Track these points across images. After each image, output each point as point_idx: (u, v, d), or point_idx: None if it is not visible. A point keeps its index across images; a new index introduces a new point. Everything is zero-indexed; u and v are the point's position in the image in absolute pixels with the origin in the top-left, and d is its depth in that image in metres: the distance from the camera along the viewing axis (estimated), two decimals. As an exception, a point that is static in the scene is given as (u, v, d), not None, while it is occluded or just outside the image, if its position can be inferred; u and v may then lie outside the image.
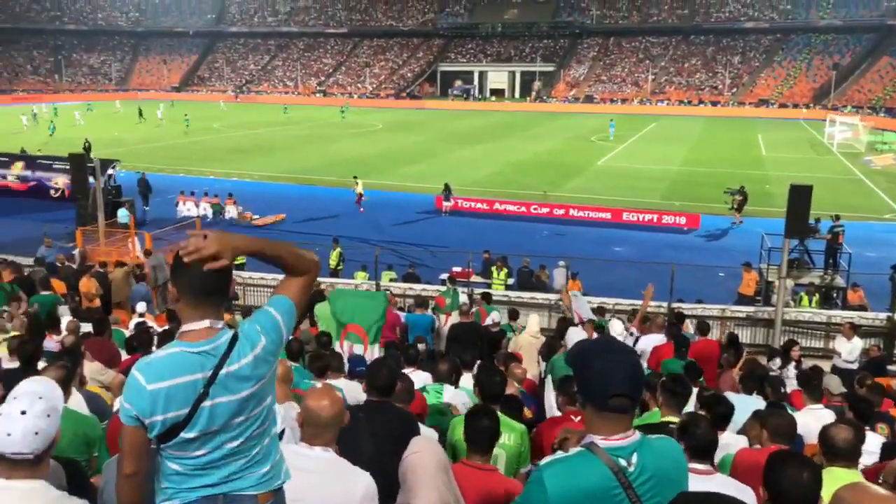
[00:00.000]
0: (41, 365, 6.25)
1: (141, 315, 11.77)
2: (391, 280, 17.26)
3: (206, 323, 2.48)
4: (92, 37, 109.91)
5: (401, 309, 12.75)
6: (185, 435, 2.41)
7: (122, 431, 2.45)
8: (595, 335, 9.19)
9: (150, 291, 14.18)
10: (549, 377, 6.78)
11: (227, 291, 2.57)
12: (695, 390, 6.16)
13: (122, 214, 23.00)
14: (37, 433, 2.61)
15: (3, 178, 30.89)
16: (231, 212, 27.55)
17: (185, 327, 2.50)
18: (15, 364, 6.28)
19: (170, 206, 28.37)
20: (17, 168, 30.94)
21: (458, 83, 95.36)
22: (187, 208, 27.74)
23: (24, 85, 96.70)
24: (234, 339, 2.49)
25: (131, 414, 2.41)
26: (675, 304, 15.04)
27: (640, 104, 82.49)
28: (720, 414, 5.18)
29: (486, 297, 13.05)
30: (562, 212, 28.32)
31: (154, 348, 8.15)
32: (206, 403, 2.41)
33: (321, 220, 26.64)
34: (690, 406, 5.44)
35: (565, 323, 10.81)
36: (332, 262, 18.57)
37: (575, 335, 8.59)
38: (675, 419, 4.88)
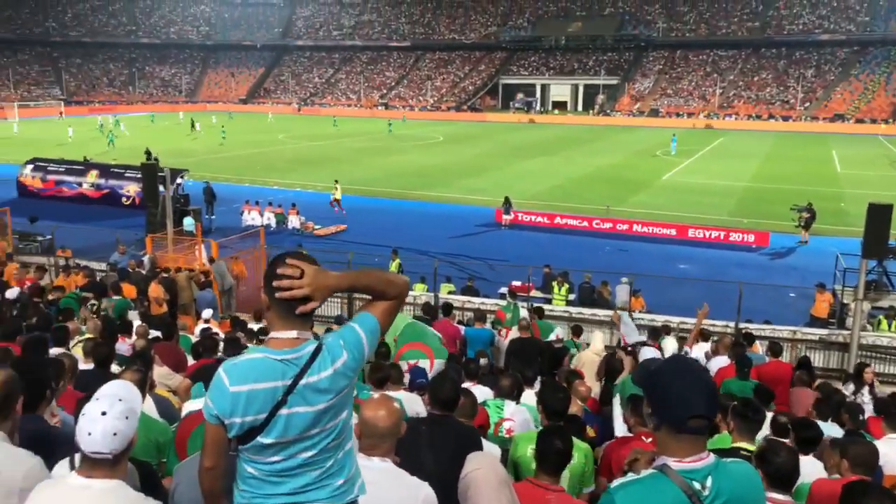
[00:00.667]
0: (114, 368, 6.48)
1: (206, 321, 12.08)
2: (450, 293, 17.29)
3: (292, 333, 2.53)
4: (164, 50, 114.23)
5: (460, 322, 12.74)
6: (261, 440, 2.46)
7: (205, 427, 2.54)
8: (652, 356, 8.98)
9: (216, 298, 14.56)
10: (618, 396, 6.66)
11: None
12: (769, 415, 5.96)
13: (188, 223, 23.74)
14: (115, 434, 2.70)
15: (79, 185, 32.41)
16: (294, 221, 28.11)
17: (272, 334, 2.56)
18: (90, 366, 6.53)
19: (235, 215, 29.13)
20: (92, 176, 32.42)
21: (520, 96, 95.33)
22: (252, 217, 28.42)
23: (100, 96, 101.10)
24: (318, 351, 2.53)
25: (213, 412, 2.49)
26: (742, 325, 14.61)
27: (708, 118, 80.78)
28: (806, 438, 4.98)
29: (538, 312, 12.93)
30: (625, 227, 27.91)
31: (220, 353, 8.35)
32: (284, 411, 2.45)
33: (381, 231, 26.90)
34: (764, 432, 5.25)
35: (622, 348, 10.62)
36: (394, 271, 18.76)
37: (648, 353, 8.43)
38: (749, 446, 4.72)
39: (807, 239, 26.29)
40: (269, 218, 28.40)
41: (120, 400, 2.77)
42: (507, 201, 28.89)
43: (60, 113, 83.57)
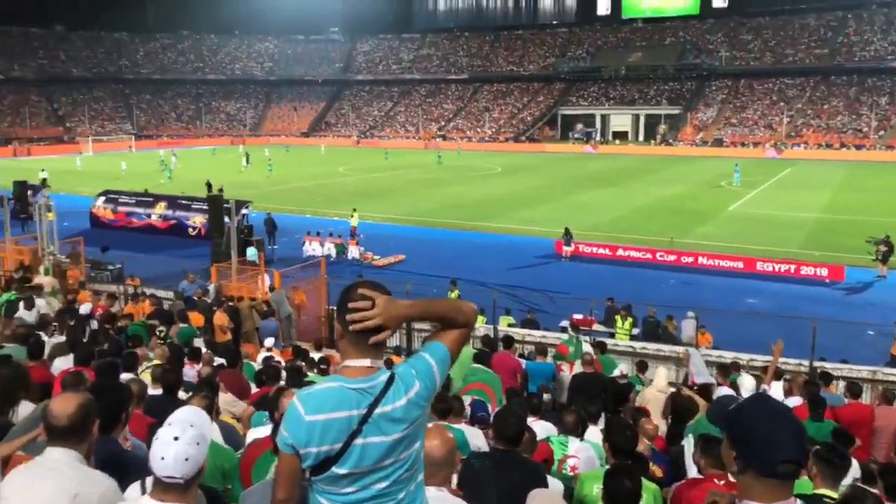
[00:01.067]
0: (181, 394, 6.63)
1: (269, 349, 12.27)
2: (509, 325, 17.18)
3: (366, 362, 2.56)
4: (229, 86, 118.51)
5: (521, 356, 12.62)
6: (336, 470, 2.46)
7: (279, 458, 2.55)
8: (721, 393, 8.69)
9: (279, 327, 14.80)
10: (690, 436, 6.45)
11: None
12: (855, 462, 5.67)
13: (252, 253, 24.28)
14: (187, 459, 2.75)
15: (148, 216, 33.66)
16: (353, 252, 28.50)
17: (345, 363, 2.59)
18: (158, 391, 6.69)
19: (296, 246, 29.71)
20: (160, 208, 33.64)
21: (580, 126, 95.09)
22: (313, 248, 28.95)
23: (168, 130, 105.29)
24: (391, 380, 2.54)
25: (288, 442, 2.48)
26: (817, 363, 14.03)
27: (775, 147, 78.90)
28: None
29: (601, 347, 12.70)
30: (689, 259, 27.32)
31: (282, 382, 8.47)
32: (359, 441, 2.45)
33: (440, 262, 27.04)
34: (849, 478, 4.99)
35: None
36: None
37: (748, 382, 8.17)
38: (832, 493, 4.50)
39: (885, 273, 25.22)
40: (330, 248, 28.87)
41: (191, 426, 2.83)
42: (567, 232, 28.69)
43: (130, 147, 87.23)
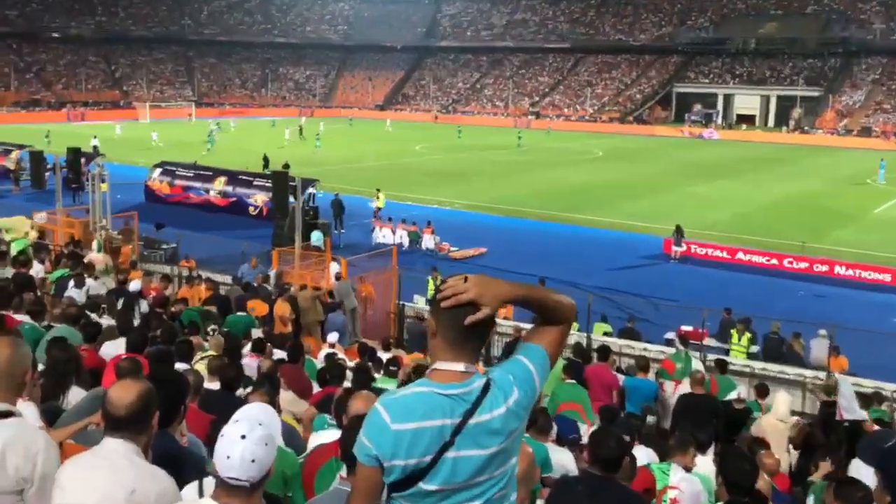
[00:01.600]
0: (240, 391, 6.85)
1: (332, 346, 12.53)
2: (605, 334, 16.99)
3: (460, 366, 2.54)
4: (300, 50, 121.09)
5: (619, 370, 12.47)
6: (423, 486, 2.45)
7: (357, 470, 2.55)
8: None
9: (346, 321, 15.08)
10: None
11: (489, 335, 2.65)
12: None
13: (316, 237, 24.81)
14: (253, 461, 2.83)
15: (207, 192, 34.84)
16: (428, 241, 28.73)
17: (437, 365, 2.57)
18: (214, 385, 6.93)
19: (365, 232, 30.20)
20: (220, 183, 34.76)
21: (698, 107, 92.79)
22: (383, 235, 29.33)
23: (232, 98, 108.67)
24: (487, 386, 2.53)
25: (371, 453, 2.46)
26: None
27: (936, 140, 74.95)
28: None
29: (721, 366, 12.38)
30: (824, 268, 26.35)
31: (347, 384, 8.63)
32: (451, 454, 2.44)
33: (526, 257, 26.98)
34: None
35: (829, 409, 9.94)
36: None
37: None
38: None
39: None
40: (402, 236, 29.19)
41: (260, 424, 2.91)
42: (678, 230, 28.10)
43: (190, 115, 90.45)
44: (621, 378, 11.26)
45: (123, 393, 3.21)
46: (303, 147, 60.63)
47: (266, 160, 44.79)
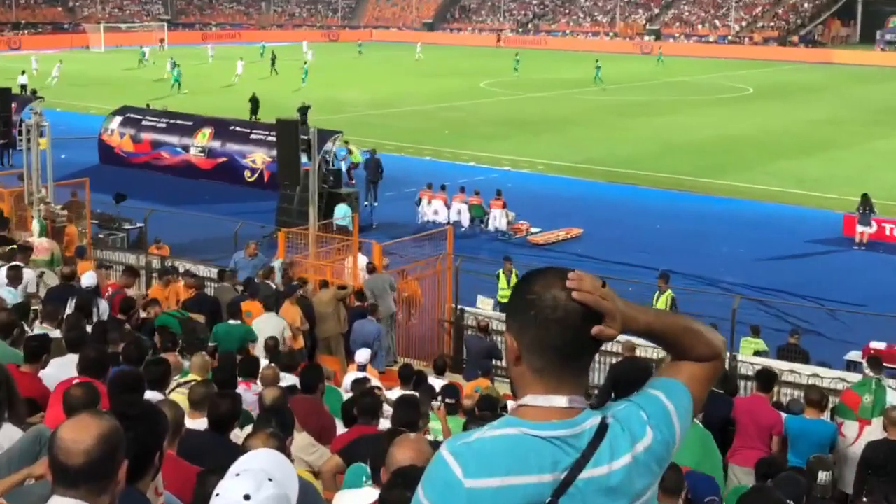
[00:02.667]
0: (236, 432, 6.91)
1: (362, 368, 12.59)
2: (757, 353, 16.77)
3: (562, 400, 2.53)
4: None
5: (778, 406, 12.30)
6: None
7: None
8: None
9: (382, 333, 15.15)
10: None
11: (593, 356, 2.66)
12: None
13: (342, 213, 24.86)
14: (262, 533, 2.86)
15: (185, 149, 35.29)
16: (498, 219, 28.63)
17: (525, 400, 2.55)
18: (199, 422, 7.01)
19: (407, 205, 30.25)
20: (204, 137, 35.16)
21: (894, 23, 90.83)
22: (433, 210, 29.26)
23: (220, 17, 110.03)
24: (604, 428, 2.52)
25: None
26: None
27: None
28: None
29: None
30: None
31: (384, 422, 8.66)
32: None
33: (637, 241, 26.79)
34: None
35: None
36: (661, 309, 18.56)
37: None
38: None
39: None
40: (461, 212, 29.13)
41: (270, 480, 2.93)
42: (865, 203, 27.52)
43: (161, 40, 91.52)
44: (783, 416, 11.10)
45: (79, 434, 3.23)
46: (274, 84, 60.57)
47: (255, 103, 45.17)
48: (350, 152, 33.38)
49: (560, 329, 2.50)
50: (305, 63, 65.07)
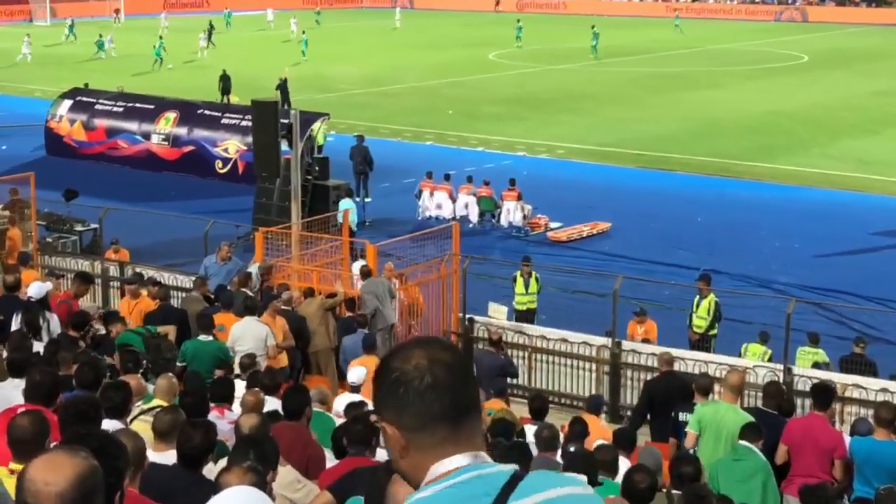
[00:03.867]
0: (209, 466, 6.89)
1: (355, 388, 12.56)
2: (815, 364, 16.68)
3: (465, 458, 2.71)
4: None
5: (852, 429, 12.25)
6: None
7: None
8: None
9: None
10: None
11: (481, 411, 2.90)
12: None
13: (347, 207, 24.75)
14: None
15: (146, 136, 35.25)
16: (512, 213, 28.56)
17: (430, 473, 2.70)
18: (165, 456, 7.01)
19: (404, 199, 30.25)
20: (168, 122, 35.09)
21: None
22: (436, 203, 29.23)
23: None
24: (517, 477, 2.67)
25: None
26: None
27: None
28: None
29: None
30: None
31: (381, 451, 8.64)
32: None
33: (675, 235, 26.87)
34: None
35: None
36: (700, 322, 18.50)
37: None
38: None
39: None
40: (468, 205, 29.09)
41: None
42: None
43: (117, 11, 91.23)
44: (847, 438, 11.07)
45: (52, 474, 3.23)
46: (251, 59, 60.55)
47: (226, 81, 45.14)
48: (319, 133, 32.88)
49: (436, 395, 2.67)
50: (303, 33, 64.63)
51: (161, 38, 60.28)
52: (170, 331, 14.04)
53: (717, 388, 12.94)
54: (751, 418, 10.97)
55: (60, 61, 60.87)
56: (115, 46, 64.07)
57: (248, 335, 13.78)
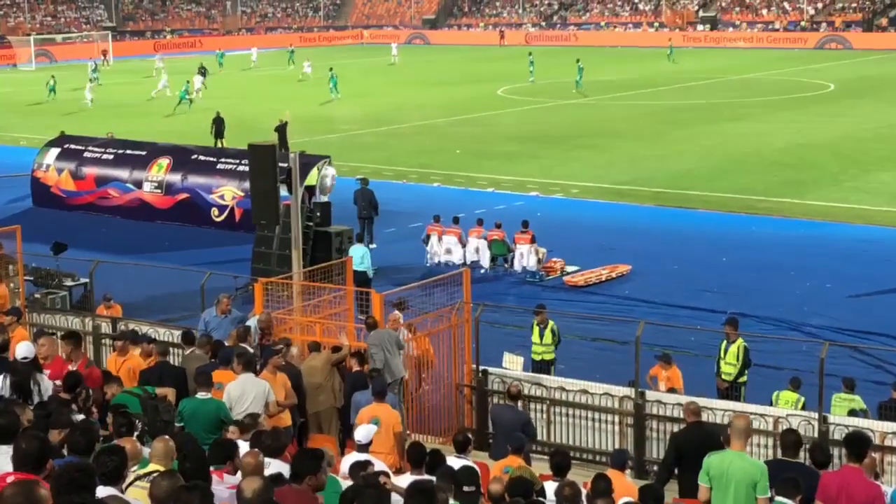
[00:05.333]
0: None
1: (363, 448, 12.50)
2: (853, 412, 16.55)
3: None
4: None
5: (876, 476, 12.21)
6: None
7: None
8: None
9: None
10: None
11: None
12: None
13: (360, 255, 24.74)
14: None
15: (138, 185, 35.38)
16: (526, 257, 28.58)
17: None
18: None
19: (413, 245, 30.26)
20: (160, 169, 35.24)
21: None
22: (445, 248, 29.24)
23: (175, 22, 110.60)
24: None
25: None
26: None
27: None
28: None
29: None
30: None
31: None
32: None
33: (700, 277, 26.90)
34: None
35: None
36: (729, 368, 18.44)
37: None
38: None
39: None
40: (479, 249, 29.10)
41: None
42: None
43: (104, 53, 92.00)
44: (888, 490, 11.01)
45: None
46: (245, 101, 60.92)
47: (218, 124, 45.45)
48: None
49: None
50: (331, 70, 64.99)
51: (188, 81, 60.83)
52: (168, 393, 14.00)
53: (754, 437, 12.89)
54: (759, 464, 10.97)
55: (43, 108, 61.23)
56: (96, 91, 64.59)
57: (248, 393, 13.73)
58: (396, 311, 19.46)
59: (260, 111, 51.90)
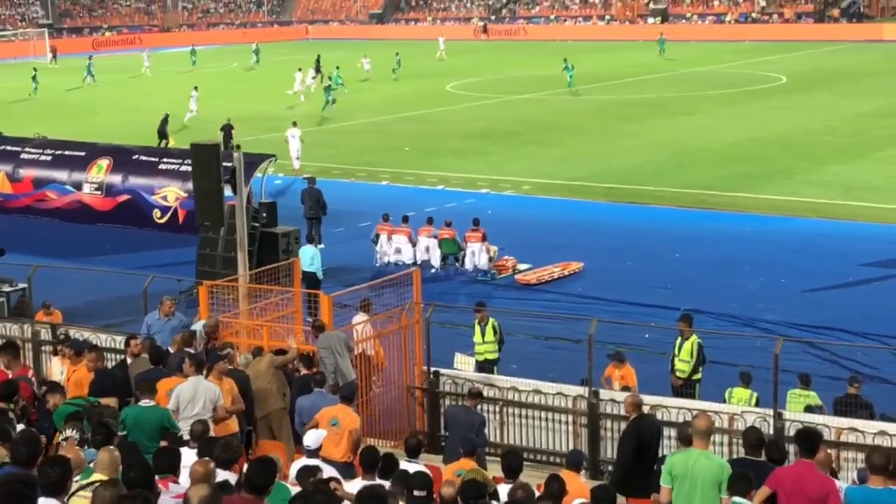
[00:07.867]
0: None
1: (312, 453, 12.49)
2: (809, 408, 16.69)
3: None
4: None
5: (836, 474, 12.30)
6: None
7: None
8: None
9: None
10: None
11: None
12: None
13: (310, 256, 24.72)
14: None
15: (77, 187, 35.05)
16: (478, 254, 28.58)
17: None
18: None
19: (362, 245, 30.24)
20: (100, 170, 34.90)
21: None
22: (394, 248, 29.23)
23: (115, 19, 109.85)
24: None
25: None
26: None
27: None
28: None
29: None
30: None
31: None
32: None
33: (651, 275, 27.00)
34: None
35: None
36: (683, 366, 18.52)
37: None
38: None
39: None
40: (430, 248, 29.09)
41: None
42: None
43: (53, 51, 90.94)
44: (841, 486, 11.12)
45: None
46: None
47: (164, 125, 45.45)
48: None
49: None
50: (337, 68, 63.59)
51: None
52: (111, 402, 13.93)
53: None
54: (724, 463, 11.04)
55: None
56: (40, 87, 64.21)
57: (199, 395, 13.67)
58: (363, 313, 19.48)
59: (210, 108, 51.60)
